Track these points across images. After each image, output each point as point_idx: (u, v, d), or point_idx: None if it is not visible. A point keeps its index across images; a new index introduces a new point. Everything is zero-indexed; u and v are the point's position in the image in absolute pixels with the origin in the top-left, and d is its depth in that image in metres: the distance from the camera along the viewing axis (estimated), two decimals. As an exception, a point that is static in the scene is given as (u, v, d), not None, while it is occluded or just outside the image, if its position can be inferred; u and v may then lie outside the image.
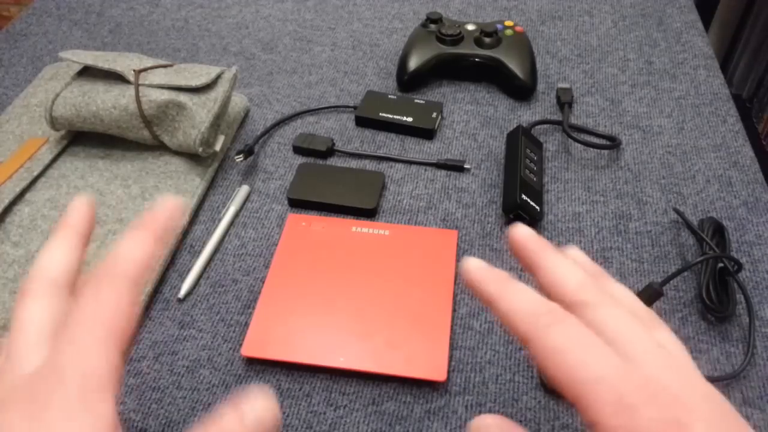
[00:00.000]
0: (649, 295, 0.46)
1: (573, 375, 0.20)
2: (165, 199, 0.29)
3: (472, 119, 0.66)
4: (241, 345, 0.47)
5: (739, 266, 0.49)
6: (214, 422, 0.25)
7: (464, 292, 0.50)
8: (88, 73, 0.59)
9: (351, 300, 0.48)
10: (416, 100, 0.66)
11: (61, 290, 0.28)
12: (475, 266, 0.25)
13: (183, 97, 0.56)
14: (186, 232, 0.55)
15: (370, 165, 0.61)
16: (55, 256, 0.28)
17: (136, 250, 0.27)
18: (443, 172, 0.60)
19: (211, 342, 0.48)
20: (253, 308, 0.49)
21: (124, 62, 0.58)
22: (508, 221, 0.55)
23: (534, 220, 0.54)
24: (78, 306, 0.25)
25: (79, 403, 0.22)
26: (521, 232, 0.27)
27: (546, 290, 0.24)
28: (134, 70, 0.57)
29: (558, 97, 0.67)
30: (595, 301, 0.23)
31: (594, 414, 0.20)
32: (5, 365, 0.26)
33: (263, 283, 0.51)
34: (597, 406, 0.20)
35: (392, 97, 0.67)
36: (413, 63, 0.68)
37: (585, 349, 0.21)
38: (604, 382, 0.20)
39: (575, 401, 0.20)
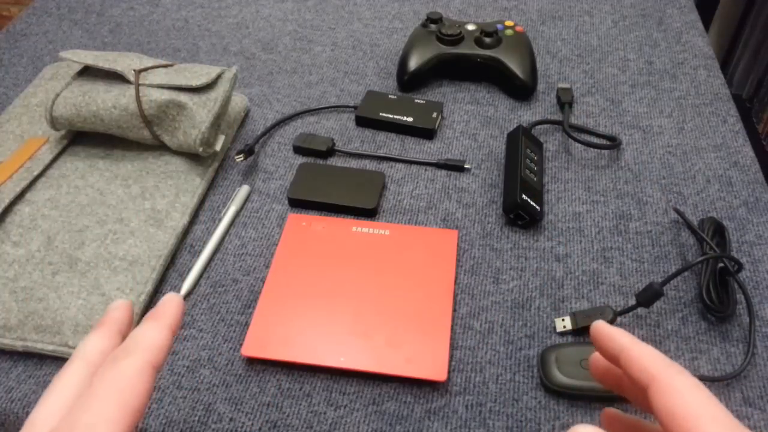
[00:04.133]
0: (650, 295, 0.46)
1: (695, 412, 0.24)
2: (171, 297, 0.32)
3: (473, 119, 0.66)
4: (241, 345, 0.47)
5: (740, 266, 0.49)
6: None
7: (464, 292, 0.50)
8: (88, 72, 0.59)
9: (351, 300, 0.48)
10: (416, 100, 0.66)
11: (92, 368, 0.30)
12: (605, 324, 0.30)
13: (183, 97, 0.56)
14: (186, 232, 0.55)
15: (370, 165, 0.61)
16: (95, 343, 0.31)
17: (155, 335, 0.29)
18: (443, 172, 0.60)
19: (212, 342, 0.48)
20: (254, 308, 0.49)
21: (125, 62, 0.58)
22: (509, 221, 0.55)
23: (534, 220, 0.54)
24: (97, 379, 0.27)
25: None
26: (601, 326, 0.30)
27: (635, 365, 0.28)
28: (134, 70, 0.57)
29: (558, 97, 0.67)
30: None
31: None
32: (24, 428, 0.27)
33: (263, 282, 0.51)
34: None
35: (392, 97, 0.67)
36: (413, 63, 0.68)
37: (709, 395, 0.25)
38: (721, 424, 0.23)
39: None
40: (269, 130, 0.64)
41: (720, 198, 0.57)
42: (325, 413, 0.44)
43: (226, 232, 0.55)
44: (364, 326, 0.47)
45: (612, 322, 0.47)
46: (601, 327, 0.30)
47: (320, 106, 0.67)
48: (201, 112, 0.56)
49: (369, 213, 0.56)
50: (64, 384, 0.28)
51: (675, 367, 0.26)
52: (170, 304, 0.31)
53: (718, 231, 0.52)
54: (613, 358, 0.29)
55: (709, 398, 0.24)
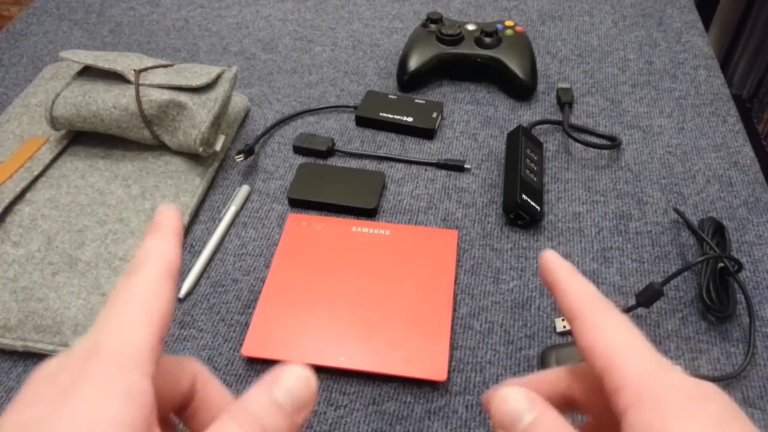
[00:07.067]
0: (650, 295, 0.46)
1: (616, 346, 0.23)
2: (165, 206, 0.30)
3: (473, 119, 0.66)
4: (241, 345, 0.47)
5: (740, 266, 0.49)
6: (241, 407, 0.23)
7: (464, 292, 0.50)
8: (88, 72, 0.59)
9: (351, 300, 0.48)
10: (416, 100, 0.66)
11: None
12: (552, 255, 0.29)
13: (183, 97, 0.56)
14: (186, 232, 0.55)
15: (370, 165, 0.61)
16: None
17: (163, 245, 0.27)
18: (443, 172, 0.60)
19: (212, 342, 0.48)
20: (254, 308, 0.49)
21: (125, 62, 0.58)
22: (509, 221, 0.55)
23: (534, 220, 0.54)
24: (113, 293, 0.25)
25: (113, 372, 0.22)
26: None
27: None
28: (134, 70, 0.57)
29: (558, 97, 0.67)
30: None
31: (620, 379, 0.23)
32: None
33: (263, 282, 0.51)
34: (628, 371, 0.23)
35: (392, 97, 0.67)
36: (413, 63, 0.68)
37: (631, 330, 0.24)
38: (640, 357, 0.23)
39: (605, 369, 0.23)
40: (269, 130, 0.64)
41: (720, 198, 0.57)
42: (325, 413, 0.43)
43: (226, 232, 0.55)
44: (364, 326, 0.47)
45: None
46: (547, 256, 0.28)
47: (320, 106, 0.67)
48: (201, 112, 0.56)
49: (369, 213, 0.56)
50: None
51: (602, 303, 0.25)
52: (167, 212, 0.29)
53: (718, 231, 0.52)
54: (551, 289, 0.28)
55: (631, 333, 0.24)
